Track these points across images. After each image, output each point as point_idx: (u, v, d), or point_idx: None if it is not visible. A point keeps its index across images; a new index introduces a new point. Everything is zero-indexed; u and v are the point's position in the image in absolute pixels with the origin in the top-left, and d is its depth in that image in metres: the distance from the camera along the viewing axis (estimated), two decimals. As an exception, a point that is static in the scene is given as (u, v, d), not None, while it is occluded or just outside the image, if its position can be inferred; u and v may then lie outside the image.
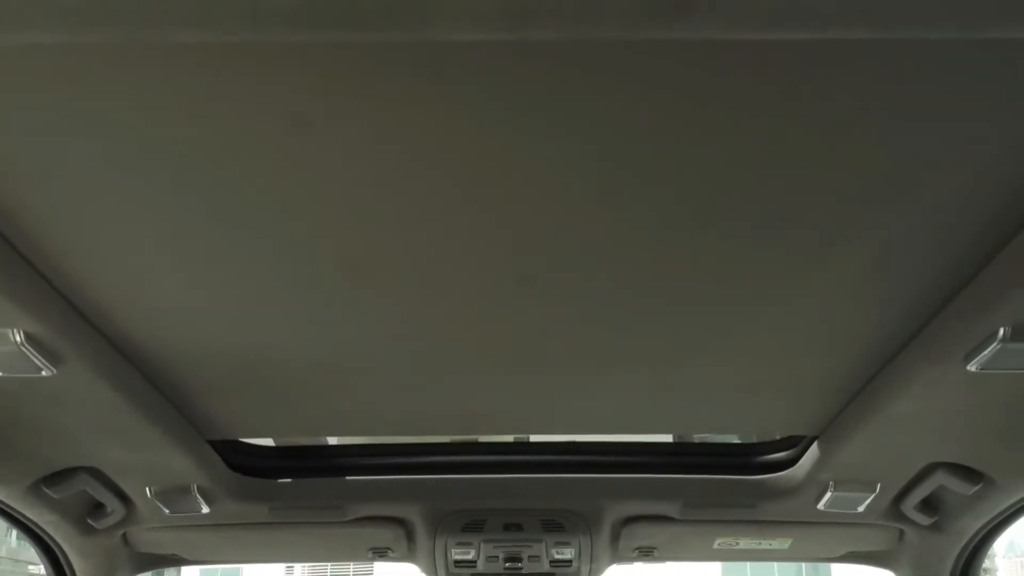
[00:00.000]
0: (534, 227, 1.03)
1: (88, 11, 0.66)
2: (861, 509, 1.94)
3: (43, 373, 1.31)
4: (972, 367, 1.28)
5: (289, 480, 1.99)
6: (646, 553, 2.21)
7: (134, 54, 0.78)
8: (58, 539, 2.06)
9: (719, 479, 2.00)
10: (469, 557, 2.12)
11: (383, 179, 0.95)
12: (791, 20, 0.68)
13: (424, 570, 2.27)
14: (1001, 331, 1.19)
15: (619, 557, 2.22)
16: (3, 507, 1.90)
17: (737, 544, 2.17)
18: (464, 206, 1.00)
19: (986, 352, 1.23)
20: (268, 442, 2.01)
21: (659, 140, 0.89)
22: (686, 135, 0.88)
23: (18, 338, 1.21)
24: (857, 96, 0.83)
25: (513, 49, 0.76)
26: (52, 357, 1.28)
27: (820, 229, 1.05)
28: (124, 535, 2.14)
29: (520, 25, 0.67)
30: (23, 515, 1.95)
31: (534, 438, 2.15)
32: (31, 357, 1.25)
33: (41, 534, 2.05)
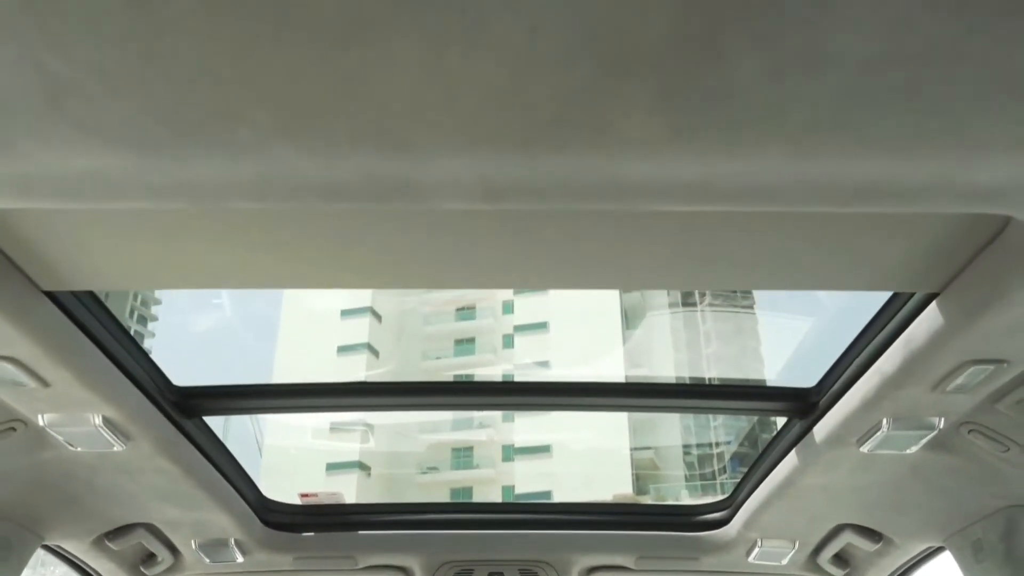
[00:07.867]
0: None
1: (169, 187, 0.81)
2: (784, 562, 2.29)
3: (115, 448, 1.56)
4: (864, 449, 1.61)
5: (311, 534, 2.33)
6: None
7: (203, 214, 1.05)
8: None
9: (667, 535, 2.36)
10: None
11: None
12: (692, 196, 0.85)
13: (421, 611, 2.57)
14: (885, 421, 1.51)
15: None
16: (69, 556, 2.21)
17: None
18: None
19: (874, 437, 1.56)
20: (295, 500, 2.36)
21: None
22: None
23: (97, 421, 1.47)
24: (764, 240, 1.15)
25: (492, 214, 1.06)
26: (123, 435, 1.54)
27: None
28: None
29: (495, 200, 0.88)
30: (86, 563, 2.25)
31: (519, 490, 2.47)
32: (106, 436, 1.50)
33: None
